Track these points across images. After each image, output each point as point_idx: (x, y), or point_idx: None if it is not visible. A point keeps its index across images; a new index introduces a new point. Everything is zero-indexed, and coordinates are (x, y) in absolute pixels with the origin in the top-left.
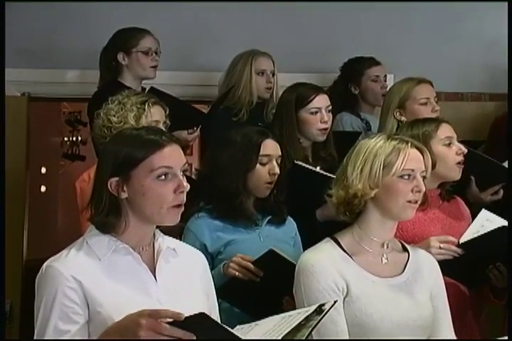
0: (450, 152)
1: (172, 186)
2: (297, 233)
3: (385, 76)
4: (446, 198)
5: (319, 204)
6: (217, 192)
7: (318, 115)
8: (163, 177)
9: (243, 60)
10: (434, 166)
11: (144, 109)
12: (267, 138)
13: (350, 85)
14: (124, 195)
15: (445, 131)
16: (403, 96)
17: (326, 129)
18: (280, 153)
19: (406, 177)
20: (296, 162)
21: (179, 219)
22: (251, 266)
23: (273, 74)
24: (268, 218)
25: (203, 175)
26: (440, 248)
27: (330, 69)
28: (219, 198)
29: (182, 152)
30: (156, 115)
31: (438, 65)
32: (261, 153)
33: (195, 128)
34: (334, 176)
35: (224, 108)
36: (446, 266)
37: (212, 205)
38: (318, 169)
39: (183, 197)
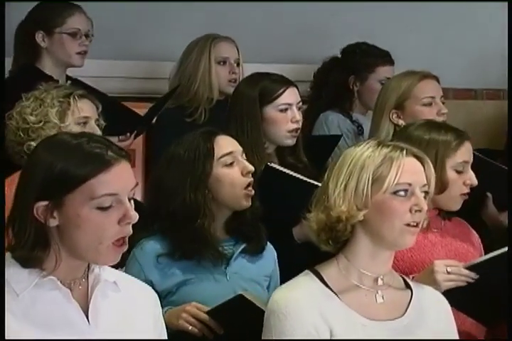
0: (459, 180)
1: (116, 216)
2: (276, 268)
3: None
4: (447, 217)
5: (297, 221)
6: (171, 222)
7: (288, 113)
8: (106, 205)
9: (199, 47)
10: (442, 191)
11: (69, 103)
12: (217, 135)
13: (351, 79)
14: (53, 223)
15: (466, 153)
16: (402, 95)
17: (296, 131)
18: (242, 148)
19: (402, 193)
20: (269, 164)
21: (119, 259)
22: (209, 320)
23: (238, 64)
24: (242, 247)
25: (150, 199)
26: (448, 272)
27: (308, 60)
28: (175, 229)
29: (131, 170)
30: (85, 110)
31: (446, 55)
32: (218, 153)
33: (128, 135)
34: (319, 184)
35: (176, 107)
36: (456, 298)
37: (167, 235)
38: (298, 175)
39: (129, 230)
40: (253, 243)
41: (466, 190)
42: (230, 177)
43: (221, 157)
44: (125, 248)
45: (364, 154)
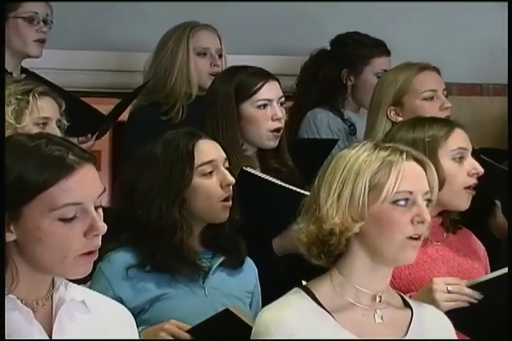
0: (460, 171)
1: (81, 228)
2: (258, 284)
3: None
4: (451, 229)
5: (277, 231)
6: (144, 232)
7: (269, 110)
8: (69, 216)
9: (177, 36)
10: (441, 186)
11: (28, 102)
12: (199, 138)
13: (345, 73)
14: (10, 237)
15: (458, 139)
16: (400, 89)
17: (279, 130)
18: (225, 155)
19: (402, 202)
20: (244, 168)
21: (90, 269)
22: (190, 340)
23: (220, 55)
24: (220, 260)
25: (118, 205)
26: (448, 291)
27: (296, 51)
28: (147, 239)
29: (97, 175)
30: (45, 110)
31: (448, 46)
32: (198, 161)
33: (89, 136)
34: (301, 191)
35: (150, 104)
36: (457, 319)
37: (138, 246)
38: (277, 180)
39: (97, 243)
40: (232, 256)
41: (472, 181)
42: (206, 189)
43: (200, 165)
44: (95, 256)
45: (360, 158)
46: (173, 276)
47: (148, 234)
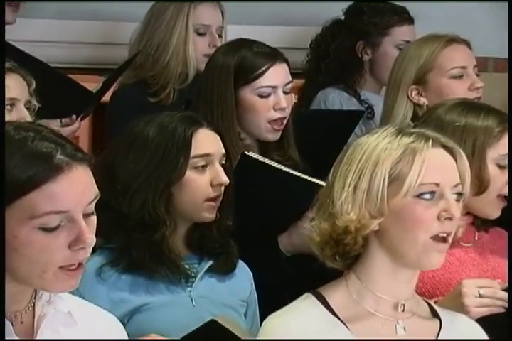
0: (501, 178)
1: (65, 239)
2: (254, 292)
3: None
4: (483, 228)
5: (284, 227)
6: (121, 224)
7: (271, 98)
8: (52, 225)
9: (176, 8)
10: (482, 191)
11: None
12: (200, 127)
13: (360, 46)
14: None
15: (505, 143)
16: (423, 65)
17: (281, 122)
18: (224, 151)
19: (427, 196)
20: (246, 153)
21: (76, 285)
22: None
23: (220, 35)
24: (208, 265)
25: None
26: (480, 296)
27: (307, 21)
28: (125, 233)
29: (90, 178)
30: (12, 89)
31: (482, 14)
32: (194, 152)
33: (73, 117)
34: (313, 179)
35: (137, 82)
36: (490, 328)
37: (115, 245)
38: (284, 167)
39: (84, 256)
40: (221, 259)
41: (505, 191)
42: (194, 185)
43: (194, 157)
44: (81, 271)
45: (379, 146)
46: (151, 280)
47: (126, 226)
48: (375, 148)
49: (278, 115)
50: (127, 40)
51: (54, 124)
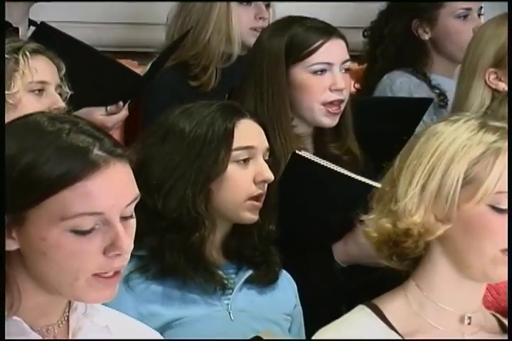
0: None
1: (100, 244)
2: (299, 304)
3: (481, 8)
4: None
5: (340, 235)
6: (154, 225)
7: (327, 76)
8: (85, 228)
9: None
10: None
11: (18, 62)
12: (242, 117)
13: (416, 23)
14: (12, 246)
15: None
16: (504, 46)
17: (339, 105)
18: (268, 145)
19: (504, 206)
20: (297, 152)
21: (113, 295)
22: None
23: (268, 5)
24: (247, 274)
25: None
26: None
27: None
28: (158, 235)
29: (130, 177)
30: (40, 72)
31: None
32: (236, 145)
33: (120, 104)
34: (372, 183)
35: (176, 65)
36: None
37: (145, 251)
38: (341, 169)
39: (120, 263)
40: (262, 269)
41: None
42: (236, 180)
43: (236, 149)
44: (117, 279)
45: (457, 141)
46: (183, 290)
47: (159, 227)
48: (452, 143)
49: (334, 96)
50: (161, 19)
51: (98, 113)
